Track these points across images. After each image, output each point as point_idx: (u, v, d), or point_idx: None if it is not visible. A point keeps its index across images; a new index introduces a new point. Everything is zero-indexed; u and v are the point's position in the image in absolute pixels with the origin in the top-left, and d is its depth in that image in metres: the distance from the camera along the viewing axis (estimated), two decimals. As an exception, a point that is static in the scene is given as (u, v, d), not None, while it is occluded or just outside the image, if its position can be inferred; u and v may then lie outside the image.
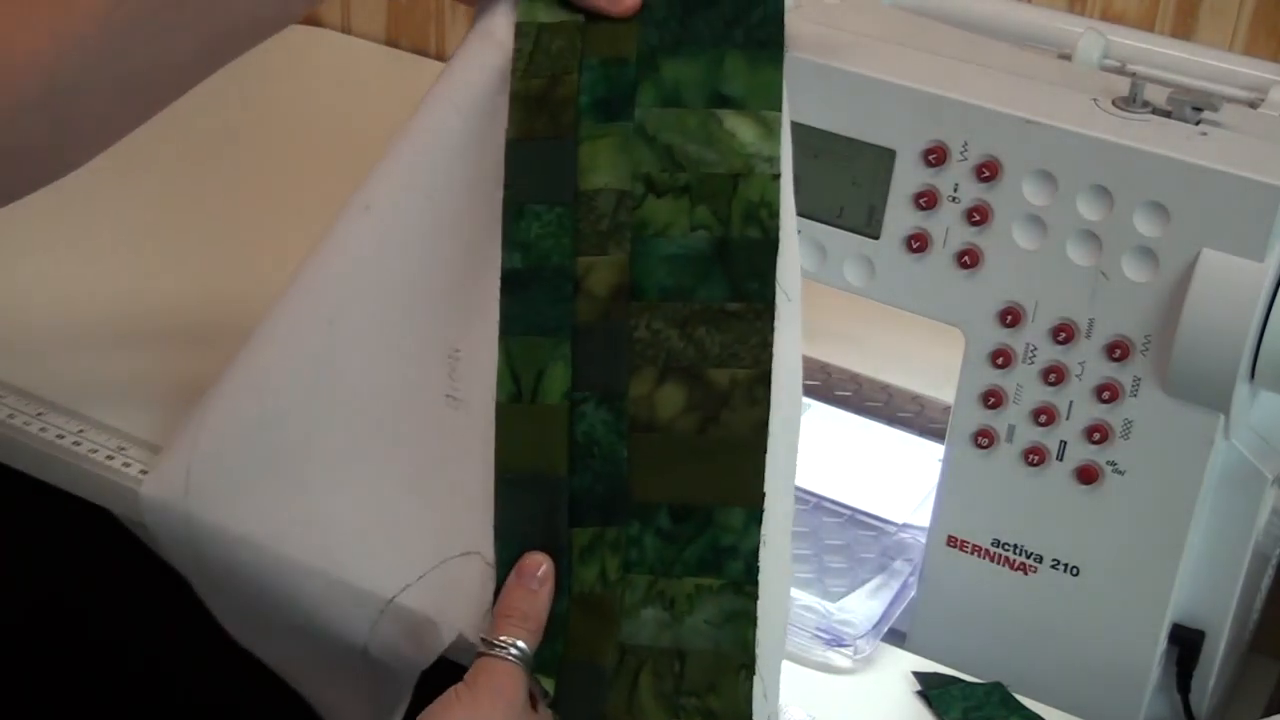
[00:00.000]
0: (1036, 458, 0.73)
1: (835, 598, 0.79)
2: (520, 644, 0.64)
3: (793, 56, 0.68)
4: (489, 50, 0.70)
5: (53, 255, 1.00)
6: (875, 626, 0.77)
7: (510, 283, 0.68)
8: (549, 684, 0.65)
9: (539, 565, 0.66)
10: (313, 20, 1.35)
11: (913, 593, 0.79)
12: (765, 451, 0.66)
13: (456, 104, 0.70)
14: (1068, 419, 0.72)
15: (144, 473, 0.79)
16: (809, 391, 0.92)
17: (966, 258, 0.72)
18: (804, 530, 0.83)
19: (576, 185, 0.68)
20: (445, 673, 0.68)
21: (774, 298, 0.66)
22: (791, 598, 0.74)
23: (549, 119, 0.68)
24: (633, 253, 0.67)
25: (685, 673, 0.66)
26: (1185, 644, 0.75)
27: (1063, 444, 0.73)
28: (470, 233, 0.70)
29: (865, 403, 0.93)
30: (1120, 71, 0.77)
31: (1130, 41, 0.79)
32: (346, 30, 1.37)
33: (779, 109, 0.67)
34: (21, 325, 0.93)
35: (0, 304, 0.95)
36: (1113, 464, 0.72)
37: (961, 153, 0.71)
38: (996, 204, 0.71)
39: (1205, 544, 0.73)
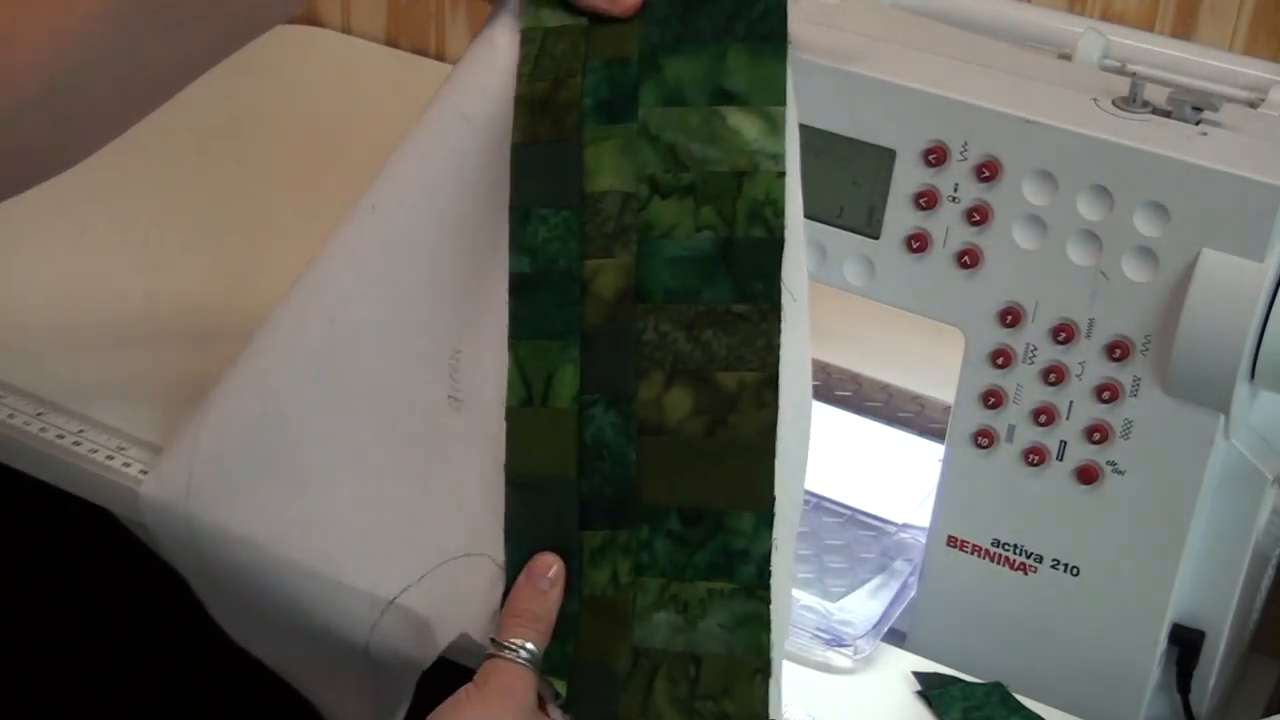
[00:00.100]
0: (1036, 458, 0.73)
1: (835, 598, 0.79)
2: (530, 646, 0.64)
3: (793, 56, 0.68)
4: (494, 55, 0.70)
5: (53, 255, 1.00)
6: (875, 626, 0.77)
7: (518, 286, 0.68)
8: (560, 685, 0.64)
9: (549, 566, 0.66)
10: (313, 20, 1.35)
11: (913, 593, 0.79)
12: (774, 455, 0.66)
13: (462, 108, 0.70)
14: (1068, 419, 0.72)
15: (144, 473, 0.79)
16: (808, 391, 0.92)
17: (966, 258, 0.72)
18: (804, 530, 0.83)
19: (582, 188, 0.68)
20: (446, 673, 0.68)
21: (779, 299, 0.66)
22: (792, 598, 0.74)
23: (553, 122, 0.68)
24: (638, 255, 0.67)
25: (700, 676, 0.66)
26: (1185, 644, 0.75)
27: (1063, 444, 0.73)
28: (473, 235, 0.70)
29: (865, 403, 0.93)
30: (1120, 71, 0.77)
31: (1130, 41, 0.79)
32: (346, 30, 1.36)
33: (783, 104, 0.67)
34: (21, 325, 0.93)
35: (0, 304, 0.95)
36: (1113, 464, 0.72)
37: (961, 153, 0.71)
38: (996, 204, 0.71)
39: (1205, 544, 0.73)
